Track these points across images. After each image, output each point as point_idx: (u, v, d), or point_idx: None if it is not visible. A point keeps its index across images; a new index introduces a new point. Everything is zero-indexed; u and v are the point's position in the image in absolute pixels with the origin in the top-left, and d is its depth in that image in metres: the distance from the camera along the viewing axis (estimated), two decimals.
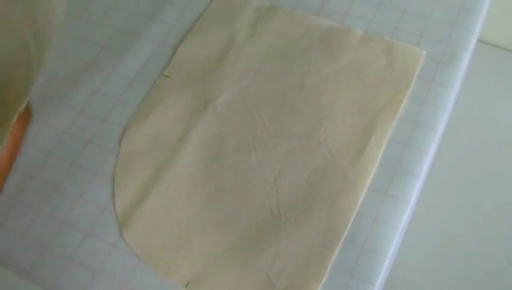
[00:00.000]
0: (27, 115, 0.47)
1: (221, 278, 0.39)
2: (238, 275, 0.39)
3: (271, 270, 0.39)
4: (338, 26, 0.50)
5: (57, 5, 0.40)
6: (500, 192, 0.93)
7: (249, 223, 0.41)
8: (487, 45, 1.07)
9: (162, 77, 0.49)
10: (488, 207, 0.92)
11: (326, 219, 0.40)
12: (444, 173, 0.92)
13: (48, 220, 0.43)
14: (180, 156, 0.44)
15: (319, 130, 0.44)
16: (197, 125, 0.46)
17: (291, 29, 0.50)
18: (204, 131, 0.45)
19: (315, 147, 0.44)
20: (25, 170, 0.46)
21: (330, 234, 0.40)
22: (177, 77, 0.49)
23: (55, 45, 0.41)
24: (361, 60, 0.48)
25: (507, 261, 0.88)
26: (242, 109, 0.46)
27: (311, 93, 0.46)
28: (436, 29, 0.49)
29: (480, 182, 0.94)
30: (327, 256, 0.39)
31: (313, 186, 0.42)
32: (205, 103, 0.47)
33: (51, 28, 0.39)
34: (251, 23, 0.51)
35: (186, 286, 0.39)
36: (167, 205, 0.43)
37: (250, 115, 0.46)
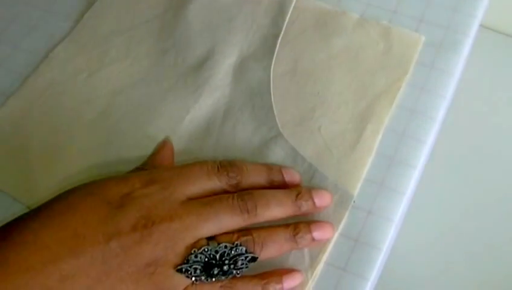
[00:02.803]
0: None
1: None
2: None
3: None
4: (333, 8, 0.48)
5: None
6: (500, 184, 0.92)
7: None
8: (489, 30, 1.04)
9: None
10: (487, 199, 0.90)
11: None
12: (442, 164, 0.91)
13: None
14: None
15: (313, 118, 0.42)
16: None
17: None
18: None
19: (308, 136, 0.42)
20: None
21: None
22: None
23: None
24: (357, 45, 0.45)
25: (505, 253, 0.87)
26: None
27: (304, 79, 0.44)
28: (436, 14, 0.47)
29: (479, 174, 0.93)
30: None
31: None
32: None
33: None
34: None
35: None
36: None
37: None
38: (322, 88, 0.44)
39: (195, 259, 0.33)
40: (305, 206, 0.37)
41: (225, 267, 0.33)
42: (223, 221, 0.34)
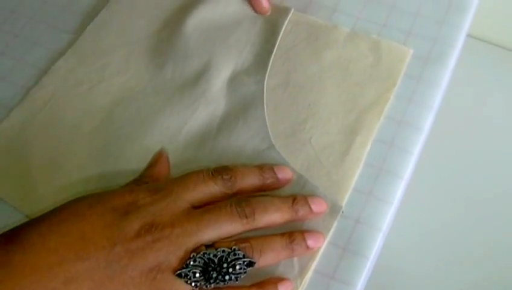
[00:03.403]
0: None
1: None
2: None
3: None
4: (325, 22, 0.49)
5: None
6: (486, 193, 0.92)
7: None
8: (476, 39, 1.04)
9: None
10: (473, 208, 0.90)
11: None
12: (429, 174, 0.91)
13: None
14: None
15: (304, 130, 0.44)
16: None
17: None
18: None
19: (299, 147, 0.43)
20: None
21: None
22: None
23: None
24: (348, 58, 0.47)
25: (493, 259, 0.87)
26: None
27: (296, 91, 0.46)
28: (424, 27, 0.48)
29: (466, 183, 0.93)
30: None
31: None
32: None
33: None
34: None
35: None
36: None
37: None
38: (314, 100, 0.45)
39: (194, 263, 0.34)
40: (301, 211, 0.39)
41: (223, 271, 0.35)
42: (223, 227, 0.36)
